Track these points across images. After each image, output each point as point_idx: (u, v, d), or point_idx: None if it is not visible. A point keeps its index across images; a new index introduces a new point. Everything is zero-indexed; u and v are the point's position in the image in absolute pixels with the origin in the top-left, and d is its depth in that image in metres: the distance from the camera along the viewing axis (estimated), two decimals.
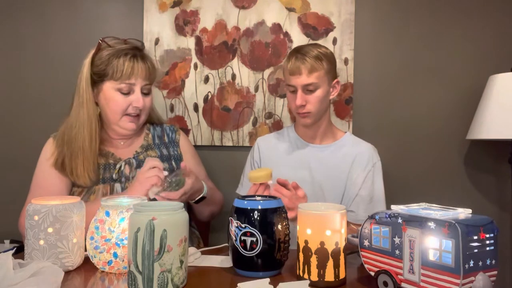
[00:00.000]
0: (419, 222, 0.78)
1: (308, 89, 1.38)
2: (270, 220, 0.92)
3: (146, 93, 1.32)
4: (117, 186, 1.31)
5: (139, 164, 1.35)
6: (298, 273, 0.91)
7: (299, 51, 1.40)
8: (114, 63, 1.26)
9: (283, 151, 1.53)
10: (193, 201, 1.30)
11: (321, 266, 0.86)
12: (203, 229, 1.69)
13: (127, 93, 1.28)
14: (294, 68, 1.37)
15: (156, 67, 1.38)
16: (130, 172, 1.34)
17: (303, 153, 1.51)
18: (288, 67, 1.40)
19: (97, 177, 1.30)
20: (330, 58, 1.42)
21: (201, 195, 1.29)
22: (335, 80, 1.46)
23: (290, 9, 1.84)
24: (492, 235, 0.77)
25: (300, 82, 1.37)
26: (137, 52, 1.30)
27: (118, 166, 1.33)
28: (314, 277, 0.87)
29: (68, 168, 1.27)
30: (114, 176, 1.32)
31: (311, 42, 1.82)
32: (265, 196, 1.01)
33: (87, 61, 1.30)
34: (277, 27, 1.85)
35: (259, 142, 1.59)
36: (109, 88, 1.28)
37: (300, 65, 1.36)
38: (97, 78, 1.29)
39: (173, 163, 1.42)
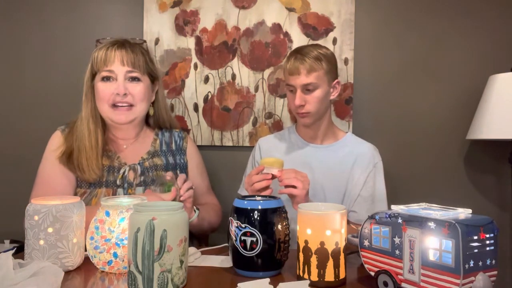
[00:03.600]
0: (419, 222, 0.78)
1: (307, 89, 1.38)
2: (270, 220, 0.92)
3: (134, 80, 1.30)
4: (120, 191, 1.30)
5: (144, 171, 1.34)
6: (298, 273, 0.91)
7: (299, 52, 1.40)
8: (93, 55, 1.30)
9: (284, 152, 1.53)
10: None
11: (321, 266, 0.86)
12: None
13: (110, 81, 1.28)
14: (293, 68, 1.37)
15: (140, 55, 1.33)
16: (134, 178, 1.32)
17: (304, 153, 1.51)
18: (287, 67, 1.40)
19: (101, 174, 1.30)
20: (330, 59, 1.41)
21: (191, 219, 1.23)
22: (336, 81, 1.45)
23: (290, 9, 1.84)
24: (492, 235, 0.77)
25: (299, 82, 1.37)
26: (118, 43, 1.31)
27: (122, 171, 1.31)
28: (314, 277, 0.87)
29: (75, 162, 1.28)
30: (117, 181, 1.30)
31: (311, 42, 1.82)
32: (265, 196, 1.01)
33: (90, 63, 1.34)
34: (277, 27, 1.85)
35: (260, 143, 1.60)
36: (97, 80, 1.30)
37: (299, 65, 1.36)
38: (92, 76, 1.32)
39: (178, 171, 1.41)
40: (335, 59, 1.47)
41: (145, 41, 1.39)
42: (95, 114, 1.32)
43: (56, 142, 1.33)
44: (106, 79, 1.28)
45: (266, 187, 1.22)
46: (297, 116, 1.45)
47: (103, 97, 1.28)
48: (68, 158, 1.29)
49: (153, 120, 1.46)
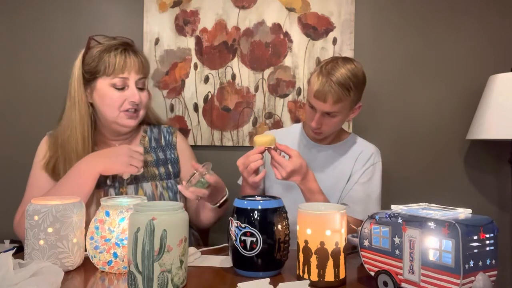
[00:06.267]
0: (419, 222, 0.78)
1: (328, 114, 1.36)
2: (270, 220, 0.92)
3: (141, 87, 1.30)
4: (111, 191, 1.29)
5: None
6: (298, 273, 0.91)
7: (330, 73, 1.31)
8: (106, 58, 1.24)
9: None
10: (216, 204, 1.27)
11: (321, 266, 0.86)
12: (203, 229, 1.69)
13: (122, 88, 1.26)
14: (321, 93, 1.31)
15: (148, 61, 1.35)
16: (126, 177, 1.30)
17: (307, 151, 1.51)
18: (314, 88, 1.33)
19: None
20: (359, 86, 1.36)
21: (224, 198, 1.26)
22: (358, 105, 1.43)
23: (290, 9, 1.84)
24: (492, 235, 0.77)
25: (322, 109, 1.34)
26: (127, 46, 1.29)
27: None
28: (314, 277, 0.87)
29: (62, 172, 1.25)
30: (108, 181, 1.29)
31: (311, 42, 1.82)
32: (265, 196, 1.01)
33: (78, 61, 1.29)
34: (277, 27, 1.85)
35: None
36: (103, 85, 1.26)
37: (327, 93, 1.30)
38: (89, 77, 1.27)
39: (169, 167, 1.40)
40: (364, 82, 1.40)
41: (132, 41, 1.36)
42: (88, 117, 1.28)
43: (43, 149, 1.32)
44: (120, 86, 1.25)
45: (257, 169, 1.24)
46: (310, 129, 1.45)
47: (114, 103, 1.25)
48: (54, 168, 1.27)
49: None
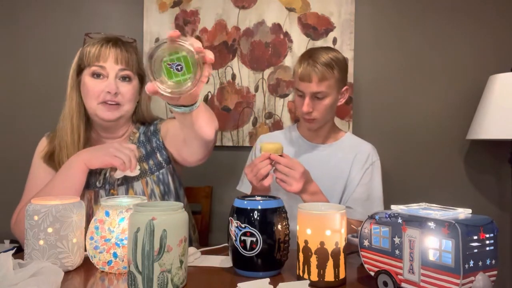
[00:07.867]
0: (419, 222, 0.78)
1: (317, 97, 1.38)
2: (270, 220, 0.92)
3: (125, 79, 1.28)
4: (102, 192, 1.28)
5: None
6: (298, 273, 0.91)
7: (311, 56, 1.38)
8: (85, 49, 1.27)
9: (285, 150, 1.54)
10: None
11: (321, 266, 0.86)
12: (203, 229, 1.69)
13: (100, 77, 1.25)
14: (305, 74, 1.36)
15: (134, 55, 1.31)
16: (117, 178, 1.29)
17: (304, 152, 1.51)
18: (299, 72, 1.38)
19: None
20: (342, 66, 1.41)
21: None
22: (345, 88, 1.46)
23: (290, 9, 1.84)
24: (492, 235, 0.77)
25: (310, 90, 1.37)
26: (113, 40, 1.28)
27: (103, 171, 1.29)
28: (314, 277, 0.87)
29: (56, 160, 1.27)
30: (97, 183, 1.28)
31: (311, 42, 1.82)
32: (265, 196, 1.01)
33: (75, 57, 1.32)
34: (277, 27, 1.85)
35: (262, 139, 1.60)
36: (85, 76, 1.27)
37: (311, 72, 1.35)
38: (78, 70, 1.30)
39: (158, 155, 1.35)
40: (346, 65, 1.46)
41: (135, 40, 1.36)
42: (79, 110, 1.29)
43: (42, 145, 1.34)
44: (97, 75, 1.25)
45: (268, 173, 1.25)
46: (303, 120, 1.46)
47: (92, 94, 1.25)
48: (50, 156, 1.29)
49: (135, 117, 1.41)
